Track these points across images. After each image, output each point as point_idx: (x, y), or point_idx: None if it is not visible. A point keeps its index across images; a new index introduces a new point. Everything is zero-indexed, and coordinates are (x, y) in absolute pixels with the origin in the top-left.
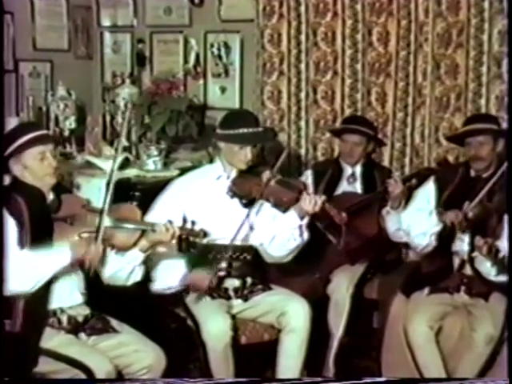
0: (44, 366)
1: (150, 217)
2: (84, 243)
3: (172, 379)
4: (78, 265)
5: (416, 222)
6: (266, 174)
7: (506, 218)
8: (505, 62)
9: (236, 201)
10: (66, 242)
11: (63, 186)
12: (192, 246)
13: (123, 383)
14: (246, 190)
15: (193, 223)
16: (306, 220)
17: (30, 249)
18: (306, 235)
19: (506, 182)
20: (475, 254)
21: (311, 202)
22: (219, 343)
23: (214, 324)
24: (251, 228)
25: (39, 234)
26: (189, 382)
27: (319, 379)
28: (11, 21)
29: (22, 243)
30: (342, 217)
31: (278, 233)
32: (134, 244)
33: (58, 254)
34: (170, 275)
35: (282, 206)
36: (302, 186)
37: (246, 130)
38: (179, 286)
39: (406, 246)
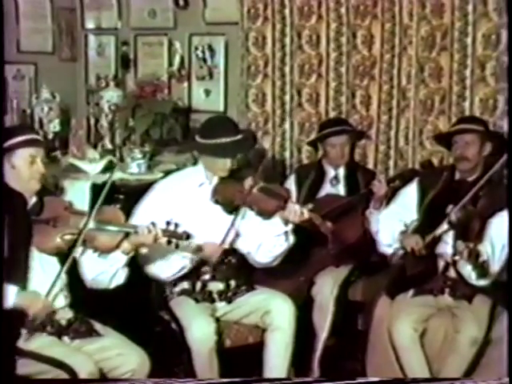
0: (26, 367)
1: (133, 221)
2: (32, 297)
3: (161, 379)
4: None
5: (386, 231)
6: (248, 181)
7: (490, 222)
8: (505, 62)
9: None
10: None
11: (46, 189)
12: (176, 248)
13: (115, 383)
14: (228, 198)
15: (176, 225)
16: (290, 226)
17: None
18: (291, 239)
19: (507, 184)
20: (457, 257)
21: (296, 212)
22: (204, 347)
23: (198, 328)
24: (237, 234)
25: (18, 240)
26: (177, 381)
27: (310, 379)
28: None
29: None
30: (328, 226)
31: (264, 240)
32: (117, 246)
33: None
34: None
35: (266, 214)
36: (285, 194)
37: (224, 140)
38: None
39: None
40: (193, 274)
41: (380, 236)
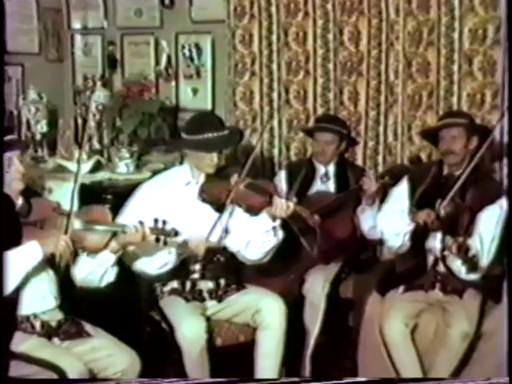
0: (16, 370)
1: (121, 220)
2: (53, 239)
3: (148, 379)
4: (50, 260)
5: (389, 223)
6: (234, 178)
7: (478, 216)
8: (505, 62)
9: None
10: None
11: (33, 190)
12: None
13: (104, 383)
14: (215, 196)
15: (164, 223)
16: (278, 221)
17: None
18: (280, 234)
19: (508, 181)
20: (446, 252)
21: (283, 206)
22: (194, 347)
23: (189, 327)
24: (226, 231)
25: (7, 241)
26: (164, 382)
27: (297, 379)
28: None
29: None
30: (315, 219)
31: (253, 237)
32: (105, 246)
33: (29, 251)
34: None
35: (253, 211)
36: (272, 189)
37: (210, 135)
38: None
39: (381, 243)
40: (182, 272)
41: (384, 232)
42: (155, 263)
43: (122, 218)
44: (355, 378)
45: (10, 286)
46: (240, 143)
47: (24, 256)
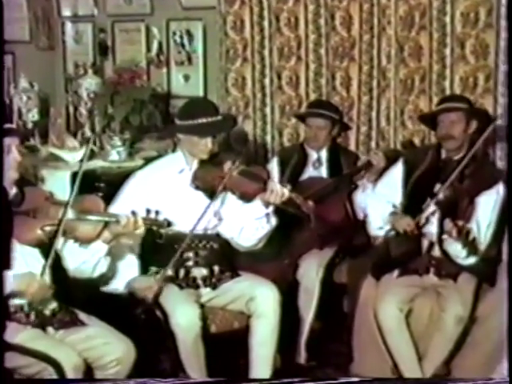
0: (11, 361)
1: (114, 209)
2: (29, 278)
3: (144, 379)
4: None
5: (375, 213)
6: (228, 165)
7: (476, 200)
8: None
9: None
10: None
11: (26, 180)
12: (157, 236)
13: (100, 383)
14: (208, 183)
15: (156, 213)
16: (271, 208)
17: None
18: (273, 221)
19: (508, 177)
20: (445, 236)
21: (277, 192)
22: (189, 334)
23: (183, 315)
24: (219, 219)
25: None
26: (161, 382)
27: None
28: None
29: None
30: (309, 205)
31: (246, 224)
32: (98, 236)
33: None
34: (120, 277)
35: (247, 198)
36: (265, 176)
37: (204, 120)
38: (126, 291)
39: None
40: (175, 260)
41: (370, 219)
42: None
43: (116, 207)
44: (349, 378)
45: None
46: (233, 129)
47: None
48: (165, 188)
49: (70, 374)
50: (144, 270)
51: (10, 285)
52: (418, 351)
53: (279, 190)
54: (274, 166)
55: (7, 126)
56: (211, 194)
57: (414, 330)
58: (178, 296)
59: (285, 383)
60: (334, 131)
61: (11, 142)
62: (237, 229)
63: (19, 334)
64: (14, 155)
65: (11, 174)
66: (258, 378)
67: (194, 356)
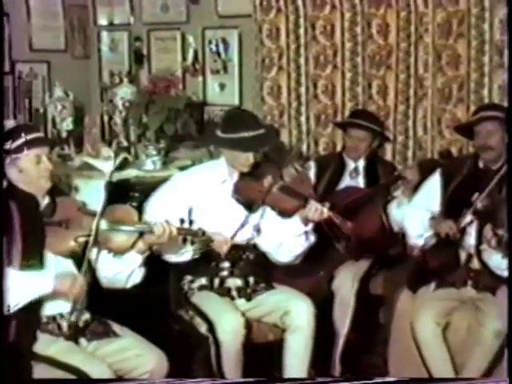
0: (43, 373)
1: (151, 212)
2: (69, 277)
3: (172, 379)
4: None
5: (414, 221)
6: (268, 180)
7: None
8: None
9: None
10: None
11: (59, 189)
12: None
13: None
14: (248, 197)
15: (191, 222)
16: (310, 225)
17: (19, 261)
18: (312, 238)
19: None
20: (483, 246)
21: (317, 211)
22: (234, 342)
23: (228, 322)
24: (258, 231)
25: (31, 242)
26: (189, 381)
27: (329, 379)
28: (7, 22)
29: (10, 257)
30: (348, 226)
31: (284, 240)
32: (132, 247)
33: (41, 282)
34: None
35: (286, 214)
36: (306, 194)
37: (247, 134)
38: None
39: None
40: (211, 269)
41: (408, 229)
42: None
43: (152, 210)
44: (385, 378)
45: (17, 305)
46: (276, 142)
47: (36, 286)
48: (208, 196)
49: None
50: (178, 279)
51: (54, 284)
52: (454, 365)
53: (319, 208)
54: (310, 171)
55: (34, 135)
56: (250, 208)
57: (451, 344)
58: (220, 303)
59: (317, 383)
60: (374, 143)
61: (40, 152)
62: (275, 244)
63: (51, 347)
64: (45, 164)
65: (43, 184)
66: None
67: (235, 365)
